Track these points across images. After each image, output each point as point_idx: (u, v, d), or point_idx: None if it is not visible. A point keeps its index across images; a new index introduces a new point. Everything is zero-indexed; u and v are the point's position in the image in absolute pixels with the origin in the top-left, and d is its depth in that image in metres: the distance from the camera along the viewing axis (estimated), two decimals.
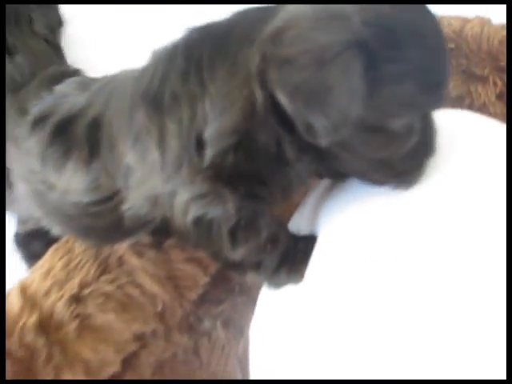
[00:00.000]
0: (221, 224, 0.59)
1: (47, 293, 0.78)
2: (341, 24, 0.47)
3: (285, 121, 0.51)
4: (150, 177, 0.60)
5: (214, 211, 0.58)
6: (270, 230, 0.61)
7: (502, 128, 0.66)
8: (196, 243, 0.66)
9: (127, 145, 0.61)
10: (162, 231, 0.67)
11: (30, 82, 0.80)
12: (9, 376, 0.72)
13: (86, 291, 0.79)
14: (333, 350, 0.55)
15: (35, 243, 0.97)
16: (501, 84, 1.03)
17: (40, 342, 0.75)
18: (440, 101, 0.55)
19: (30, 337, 0.75)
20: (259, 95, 0.51)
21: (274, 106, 0.51)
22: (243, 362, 0.85)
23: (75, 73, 0.83)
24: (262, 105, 0.52)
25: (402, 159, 0.56)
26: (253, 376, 0.70)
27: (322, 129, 0.48)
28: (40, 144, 0.69)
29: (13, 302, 0.78)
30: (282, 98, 0.49)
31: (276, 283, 0.65)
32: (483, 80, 1.05)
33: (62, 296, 0.78)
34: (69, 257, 0.82)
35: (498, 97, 1.04)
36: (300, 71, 0.47)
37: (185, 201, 0.58)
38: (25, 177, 0.76)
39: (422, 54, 0.50)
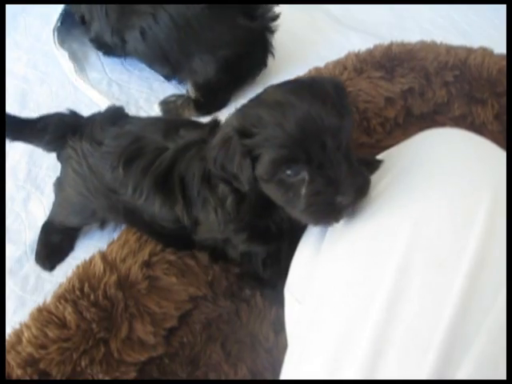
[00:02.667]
0: (257, 255, 0.94)
1: (124, 259, 0.99)
2: (229, 125, 0.78)
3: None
4: (212, 229, 0.92)
5: (254, 249, 0.92)
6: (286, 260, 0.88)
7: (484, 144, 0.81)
8: (241, 266, 1.03)
9: (198, 206, 0.92)
10: (219, 254, 1.00)
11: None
12: (96, 320, 0.92)
13: (155, 259, 1.00)
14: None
15: (56, 236, 1.25)
16: (497, 107, 1.20)
17: (119, 296, 0.95)
18: (323, 154, 0.72)
19: (111, 291, 0.95)
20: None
21: None
22: (276, 324, 1.04)
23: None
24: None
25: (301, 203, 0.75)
26: (288, 331, 0.88)
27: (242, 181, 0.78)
28: (133, 180, 0.95)
29: (97, 266, 0.98)
30: (211, 168, 0.82)
31: None
32: (483, 103, 1.22)
33: (135, 262, 0.98)
34: (140, 233, 1.03)
35: (495, 117, 1.21)
36: (213, 150, 0.79)
37: (235, 244, 0.93)
38: (101, 192, 1.01)
39: (274, 128, 0.72)
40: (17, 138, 1.08)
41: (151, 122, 1.05)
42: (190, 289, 1.00)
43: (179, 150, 0.94)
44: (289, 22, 1.58)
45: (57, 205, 1.19)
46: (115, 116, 1.07)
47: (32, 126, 1.06)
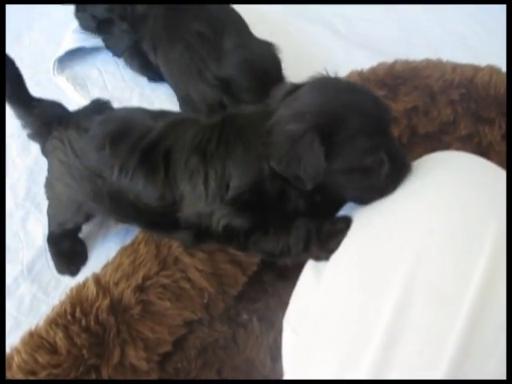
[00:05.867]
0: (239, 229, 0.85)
1: (117, 283, 0.96)
2: (300, 118, 0.74)
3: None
4: (196, 203, 0.87)
5: (235, 222, 0.84)
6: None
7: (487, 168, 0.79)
8: (223, 242, 0.91)
9: (184, 179, 0.87)
10: (204, 234, 0.90)
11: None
12: (87, 345, 0.90)
13: (148, 283, 0.97)
14: None
15: (64, 242, 1.22)
16: (505, 126, 1.17)
17: (111, 321, 0.92)
18: (387, 137, 0.77)
19: (103, 316, 0.92)
20: (266, 168, 0.80)
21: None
22: (273, 350, 1.01)
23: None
24: (268, 172, 0.80)
25: (381, 183, 0.77)
26: (284, 362, 0.85)
27: (305, 180, 0.75)
28: (120, 160, 0.91)
29: (89, 289, 0.96)
30: (275, 167, 0.77)
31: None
32: (490, 122, 1.18)
33: (129, 286, 0.96)
34: (134, 256, 1.00)
35: (503, 137, 1.18)
36: (280, 148, 0.75)
37: (218, 217, 0.85)
38: (86, 178, 0.96)
39: (359, 120, 0.73)
40: (11, 96, 1.06)
41: (140, 108, 1.04)
42: (184, 313, 0.97)
43: (169, 124, 0.92)
44: (294, 39, 1.57)
45: (51, 207, 1.16)
46: (102, 107, 1.04)
47: (27, 95, 1.08)
